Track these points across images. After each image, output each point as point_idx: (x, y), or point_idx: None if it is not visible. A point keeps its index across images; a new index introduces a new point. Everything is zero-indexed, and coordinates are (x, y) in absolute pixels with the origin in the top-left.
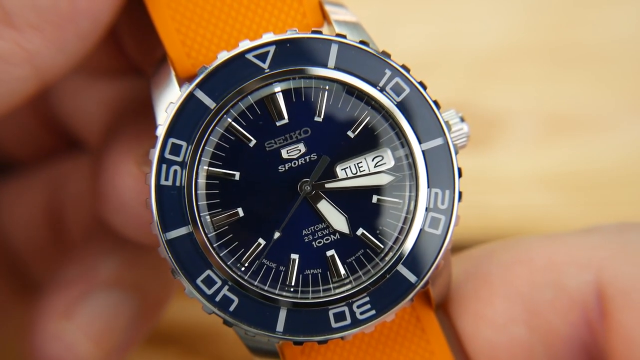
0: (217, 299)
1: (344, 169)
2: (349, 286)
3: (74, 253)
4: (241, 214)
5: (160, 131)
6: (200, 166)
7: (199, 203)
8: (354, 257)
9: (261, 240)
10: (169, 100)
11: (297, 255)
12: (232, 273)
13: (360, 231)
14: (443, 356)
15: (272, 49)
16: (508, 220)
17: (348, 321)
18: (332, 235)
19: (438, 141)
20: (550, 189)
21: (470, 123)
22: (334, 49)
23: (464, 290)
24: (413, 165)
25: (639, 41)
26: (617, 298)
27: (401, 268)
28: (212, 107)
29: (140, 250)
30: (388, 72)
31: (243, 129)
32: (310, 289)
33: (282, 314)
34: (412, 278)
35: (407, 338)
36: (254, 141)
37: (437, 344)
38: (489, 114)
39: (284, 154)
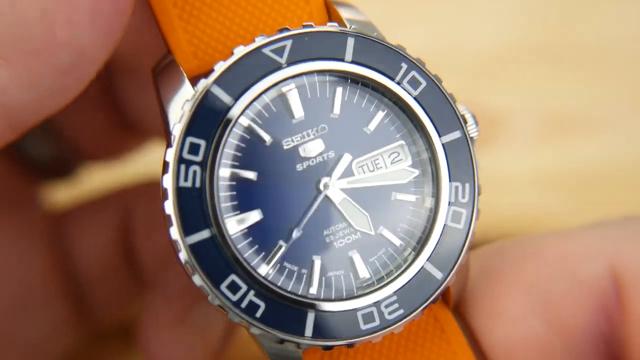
0: (243, 305)
1: (361, 166)
2: (372, 287)
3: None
4: (260, 216)
5: (178, 130)
6: (220, 166)
7: (221, 205)
8: (376, 257)
9: (281, 242)
10: (182, 99)
11: (319, 257)
12: (257, 276)
13: (381, 230)
14: (465, 355)
15: (288, 43)
16: (508, 219)
17: (377, 322)
18: (353, 235)
19: (456, 134)
20: (550, 188)
21: None
22: (350, 43)
23: (475, 289)
24: (433, 160)
25: (639, 41)
26: (633, 284)
27: (427, 265)
28: (229, 104)
29: None
30: (404, 66)
31: (260, 127)
32: (334, 291)
33: (310, 318)
34: (438, 275)
35: (428, 339)
36: (270, 140)
37: (458, 343)
38: (490, 113)
39: (302, 152)
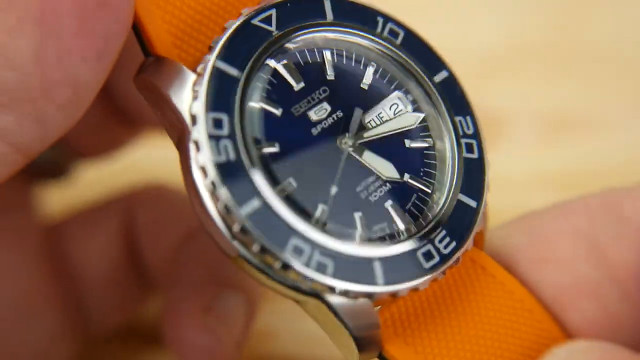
0: (312, 266)
1: (369, 121)
2: (415, 230)
3: (198, 259)
4: (294, 184)
5: (199, 107)
6: (246, 135)
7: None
8: (411, 203)
9: (322, 205)
10: (187, 84)
11: (359, 214)
12: (311, 237)
13: (406, 176)
14: (511, 283)
15: (273, 11)
16: (508, 220)
17: (437, 258)
18: (384, 187)
19: (444, 73)
20: (550, 188)
21: None
22: (327, 4)
23: (518, 243)
24: (431, 101)
25: (639, 41)
26: None
27: (461, 197)
28: (238, 77)
29: None
30: (380, 19)
31: (268, 101)
32: (381, 239)
33: (377, 266)
34: (472, 203)
35: (474, 279)
36: (281, 110)
37: (502, 275)
38: (490, 114)
39: (313, 116)
